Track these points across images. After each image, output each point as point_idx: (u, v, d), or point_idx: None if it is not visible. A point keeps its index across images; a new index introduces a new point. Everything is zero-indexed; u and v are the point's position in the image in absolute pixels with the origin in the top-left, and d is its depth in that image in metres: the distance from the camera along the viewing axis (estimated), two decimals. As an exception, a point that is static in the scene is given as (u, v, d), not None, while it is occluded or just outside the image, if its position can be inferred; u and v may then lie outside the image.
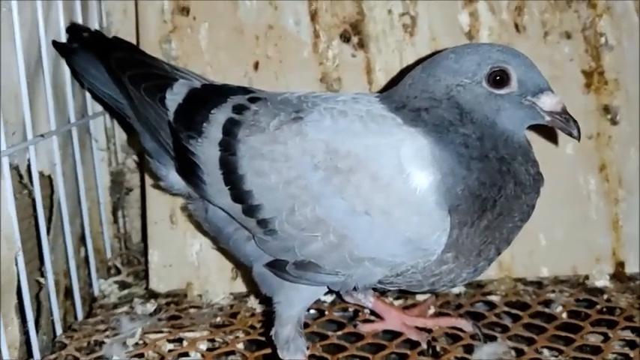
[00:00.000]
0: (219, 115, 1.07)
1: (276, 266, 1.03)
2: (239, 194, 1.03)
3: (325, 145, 0.98)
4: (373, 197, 0.94)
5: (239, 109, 1.07)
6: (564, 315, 1.29)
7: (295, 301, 1.07)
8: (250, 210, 1.02)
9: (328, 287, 1.07)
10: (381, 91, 1.34)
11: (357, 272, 0.99)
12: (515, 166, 0.98)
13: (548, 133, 1.34)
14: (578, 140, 1.00)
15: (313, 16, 1.40)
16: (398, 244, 0.95)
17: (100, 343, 1.20)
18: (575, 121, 0.98)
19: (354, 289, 1.04)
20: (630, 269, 1.40)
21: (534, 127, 1.28)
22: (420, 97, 0.99)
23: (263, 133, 1.03)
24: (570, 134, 0.99)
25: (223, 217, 1.09)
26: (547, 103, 0.98)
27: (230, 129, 1.05)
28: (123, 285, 1.44)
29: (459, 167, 0.95)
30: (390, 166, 0.94)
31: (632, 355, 1.16)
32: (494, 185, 0.96)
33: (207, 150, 1.06)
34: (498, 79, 0.97)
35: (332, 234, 0.96)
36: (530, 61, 1.00)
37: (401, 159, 0.94)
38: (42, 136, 1.19)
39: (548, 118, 0.99)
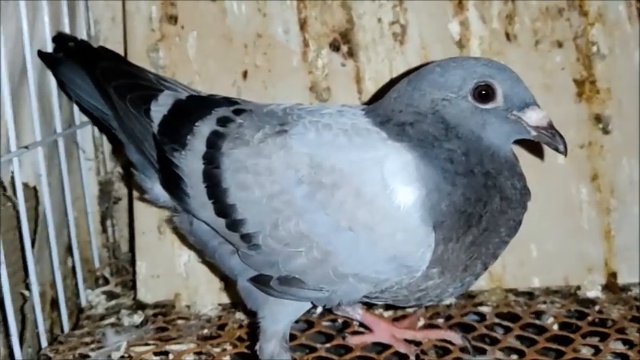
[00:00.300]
0: (204, 128, 1.06)
1: (260, 281, 1.02)
2: (222, 208, 1.02)
3: (309, 159, 0.97)
4: (357, 213, 0.93)
5: (223, 121, 1.06)
6: (555, 327, 1.28)
7: (280, 317, 1.06)
8: (234, 224, 1.01)
9: (313, 303, 1.06)
10: (370, 101, 1.34)
11: (341, 288, 0.98)
12: (501, 181, 0.97)
13: (537, 144, 1.33)
14: (565, 155, 0.99)
15: (302, 25, 1.39)
16: (382, 261, 0.94)
17: (85, 357, 1.19)
18: (561, 136, 0.97)
19: (339, 304, 1.03)
20: (622, 280, 1.39)
21: (524, 139, 1.28)
22: (405, 112, 0.98)
23: (247, 146, 1.01)
24: (557, 149, 0.98)
25: (208, 230, 1.08)
26: (533, 117, 0.97)
27: (214, 142, 1.04)
28: (111, 295, 1.42)
29: (444, 183, 0.94)
30: (373, 181, 0.93)
31: (623, 368, 1.15)
32: (480, 201, 0.95)
33: (191, 163, 1.05)
34: (484, 93, 0.96)
35: (316, 249, 0.95)
36: (516, 75, 0.98)
37: (384, 174, 0.93)
38: (26, 147, 1.18)
39: (534, 133, 0.98)
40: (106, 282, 1.48)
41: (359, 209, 0.93)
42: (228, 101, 1.14)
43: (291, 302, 1.04)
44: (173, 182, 1.08)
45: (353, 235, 0.93)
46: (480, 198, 0.95)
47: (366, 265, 0.95)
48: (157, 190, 1.16)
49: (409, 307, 1.22)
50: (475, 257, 0.97)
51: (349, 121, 1.00)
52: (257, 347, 1.07)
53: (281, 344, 1.06)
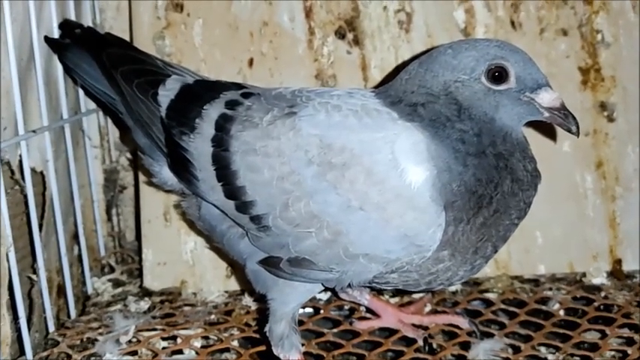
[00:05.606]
0: (212, 111, 1.06)
1: (270, 263, 1.02)
2: (232, 190, 1.02)
3: (319, 139, 0.97)
4: (368, 192, 0.93)
5: (232, 104, 1.06)
6: (561, 312, 1.28)
7: (290, 298, 1.06)
8: (243, 206, 1.01)
9: (323, 284, 1.06)
10: (377, 87, 1.34)
11: (351, 268, 0.98)
12: (512, 163, 0.97)
13: (545, 130, 1.33)
14: (577, 136, 1.00)
15: (308, 13, 1.39)
16: (393, 240, 0.94)
17: (93, 341, 1.19)
18: (574, 117, 0.98)
19: (349, 286, 1.03)
20: (628, 267, 1.39)
21: (532, 125, 1.28)
22: (417, 92, 0.98)
23: (256, 129, 1.01)
24: (569, 130, 0.98)
25: (216, 214, 1.08)
26: (545, 98, 0.97)
27: (223, 125, 1.04)
28: (117, 283, 1.42)
29: (455, 163, 0.94)
30: (384, 160, 0.93)
31: (629, 352, 1.15)
32: (491, 182, 0.95)
33: (199, 146, 1.05)
34: (497, 75, 0.96)
35: (326, 230, 0.95)
36: (529, 57, 0.99)
37: (395, 153, 0.93)
38: (34, 131, 1.17)
39: (546, 114, 0.98)
40: (112, 270, 1.48)
41: (370, 188, 0.93)
42: (236, 85, 1.14)
43: (301, 284, 1.04)
44: (181, 165, 1.08)
45: (364, 214, 0.93)
46: (492, 179, 0.95)
47: (376, 244, 0.95)
48: (165, 173, 1.16)
49: (419, 291, 1.23)
50: (485, 239, 0.97)
51: (359, 102, 1.00)
52: (266, 329, 1.07)
53: (290, 325, 1.06)
